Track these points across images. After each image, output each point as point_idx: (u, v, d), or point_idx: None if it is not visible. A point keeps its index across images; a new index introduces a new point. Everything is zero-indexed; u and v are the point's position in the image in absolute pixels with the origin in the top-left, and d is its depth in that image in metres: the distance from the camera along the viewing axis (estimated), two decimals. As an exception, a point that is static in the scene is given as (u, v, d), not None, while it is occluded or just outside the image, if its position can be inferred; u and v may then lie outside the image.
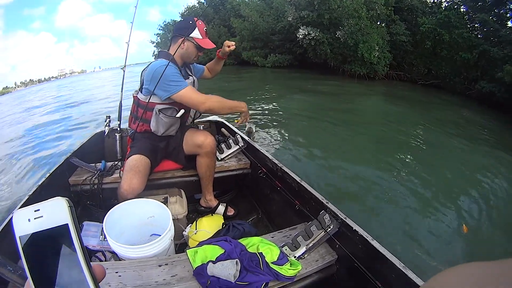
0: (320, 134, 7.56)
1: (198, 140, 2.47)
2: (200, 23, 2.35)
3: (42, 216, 0.71)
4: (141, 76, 2.37)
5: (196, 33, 2.33)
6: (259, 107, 10.36)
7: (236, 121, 2.61)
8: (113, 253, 1.94)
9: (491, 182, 5.34)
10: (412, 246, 3.41)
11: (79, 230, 0.69)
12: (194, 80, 2.53)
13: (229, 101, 2.41)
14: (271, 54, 28.96)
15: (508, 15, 17.51)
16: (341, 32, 21.12)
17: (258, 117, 8.68)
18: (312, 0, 21.99)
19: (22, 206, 1.94)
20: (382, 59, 21.02)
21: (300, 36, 23.40)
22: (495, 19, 17.39)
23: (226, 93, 12.57)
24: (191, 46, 2.36)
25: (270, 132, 7.27)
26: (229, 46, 2.62)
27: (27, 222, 0.69)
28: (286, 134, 7.18)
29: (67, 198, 0.78)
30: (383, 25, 21.71)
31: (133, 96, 2.46)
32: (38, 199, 1.65)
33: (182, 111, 2.39)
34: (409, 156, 6.60)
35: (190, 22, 2.34)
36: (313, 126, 8.40)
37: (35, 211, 0.72)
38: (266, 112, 9.33)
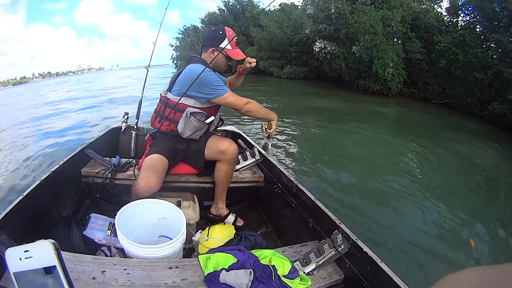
0: (330, 149, 7.59)
1: (223, 146, 2.46)
2: (230, 33, 2.38)
3: (31, 257, 0.85)
4: (172, 78, 2.38)
5: (225, 44, 2.33)
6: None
7: (266, 127, 2.60)
8: (119, 249, 1.93)
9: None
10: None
11: (66, 270, 0.82)
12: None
13: (265, 108, 2.49)
14: (287, 65, 29.23)
15: None
16: (356, 47, 21.27)
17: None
18: (330, 14, 22.43)
19: (32, 190, 1.94)
20: (396, 76, 21.09)
21: (317, 49, 23.75)
22: (510, 40, 17.20)
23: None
24: (220, 56, 2.34)
25: (282, 145, 7.22)
26: (250, 63, 2.63)
27: (19, 261, 0.83)
28: (297, 148, 7.16)
29: (53, 241, 0.88)
30: (399, 42, 21.69)
31: (161, 95, 2.44)
32: (50, 185, 1.66)
33: (212, 117, 2.41)
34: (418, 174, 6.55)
35: (221, 32, 2.37)
36: (323, 141, 8.43)
37: (24, 251, 0.85)
38: (279, 125, 9.22)
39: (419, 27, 22.69)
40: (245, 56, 2.50)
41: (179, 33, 47.41)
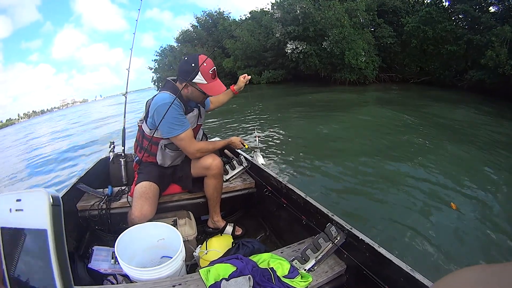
0: (315, 142, 7.66)
1: (206, 162, 2.40)
2: (205, 65, 2.11)
3: (22, 210, 0.66)
4: (146, 105, 2.30)
5: (199, 79, 2.12)
6: (257, 125, 10.38)
7: (246, 146, 2.71)
8: (125, 276, 1.90)
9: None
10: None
11: (60, 235, 0.66)
12: (200, 112, 2.42)
13: (218, 143, 2.49)
14: (265, 70, 29.37)
15: (488, 0, 17.59)
16: (326, 42, 21.68)
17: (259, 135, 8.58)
18: (297, 15, 22.74)
19: None
20: (370, 63, 21.42)
21: (289, 51, 24.06)
22: (476, 7, 17.51)
23: (224, 113, 12.65)
24: (195, 91, 2.19)
25: (270, 149, 7.24)
26: (244, 79, 2.64)
27: (8, 213, 0.66)
28: (285, 150, 7.15)
29: (53, 192, 0.71)
30: (367, 30, 21.97)
31: (138, 125, 2.40)
32: None
33: None
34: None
35: (193, 64, 2.10)
36: (306, 135, 8.50)
37: (16, 200, 0.66)
38: (264, 130, 9.31)
39: (387, 12, 23.04)
40: (226, 89, 2.36)
41: (156, 55, 47.24)
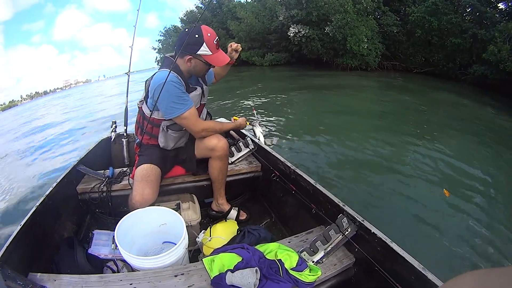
0: (319, 125, 7.42)
1: (211, 143, 2.26)
2: (208, 35, 1.97)
3: None
4: (145, 85, 2.14)
5: (204, 49, 1.97)
6: (256, 105, 10.25)
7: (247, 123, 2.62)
8: (126, 262, 1.80)
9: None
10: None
11: None
12: (203, 90, 2.26)
13: (226, 125, 2.41)
14: (268, 53, 28.95)
15: None
16: (329, 27, 21.23)
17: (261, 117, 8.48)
18: None
19: (30, 218, 1.81)
20: (373, 51, 21.02)
21: (291, 35, 23.68)
22: (483, 2, 17.00)
23: (226, 93, 12.49)
24: (199, 64, 2.04)
25: (273, 128, 7.11)
26: (236, 50, 2.43)
27: None
28: (286, 130, 7.01)
29: None
30: (371, 17, 21.44)
31: (138, 106, 2.24)
32: (47, 209, 1.53)
33: None
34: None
35: (196, 36, 1.95)
36: (310, 119, 8.27)
37: None
38: (265, 110, 9.16)
39: (393, 0, 22.49)
40: (229, 59, 2.19)
41: (160, 35, 46.68)
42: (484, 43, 15.04)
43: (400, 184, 4.31)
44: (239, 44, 2.43)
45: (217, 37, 2.02)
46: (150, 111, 2.07)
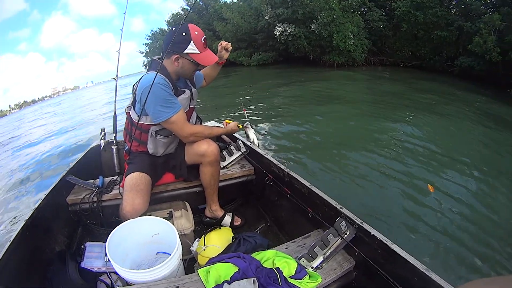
0: (307, 123, 7.40)
1: (201, 148, 2.20)
2: (196, 33, 1.91)
3: None
4: (132, 89, 2.06)
5: (192, 48, 1.91)
6: (246, 106, 10.14)
7: (240, 126, 2.49)
8: (119, 275, 1.72)
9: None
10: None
11: None
12: (192, 94, 2.18)
13: (215, 129, 2.29)
14: (255, 53, 28.98)
15: None
16: (315, 25, 21.34)
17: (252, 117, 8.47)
18: None
19: (19, 232, 1.74)
20: (359, 46, 21.14)
21: (277, 33, 23.79)
22: None
23: (214, 94, 12.42)
24: (187, 64, 1.97)
25: (264, 130, 7.06)
26: (226, 49, 2.34)
27: None
28: (279, 130, 6.96)
29: None
30: (356, 13, 21.55)
31: (126, 112, 2.16)
32: (37, 223, 1.44)
33: None
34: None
35: (184, 34, 1.88)
36: (299, 116, 8.24)
37: None
38: (256, 110, 9.16)
39: (378, -5, 22.74)
40: (217, 58, 2.11)
41: (147, 38, 46.52)
42: (470, 35, 15.15)
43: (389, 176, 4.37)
44: (229, 43, 2.35)
45: (204, 36, 1.97)
46: (138, 116, 1.98)
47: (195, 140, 2.16)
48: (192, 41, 1.89)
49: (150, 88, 1.81)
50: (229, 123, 2.45)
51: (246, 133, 2.53)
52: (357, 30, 21.03)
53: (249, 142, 2.60)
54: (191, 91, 2.16)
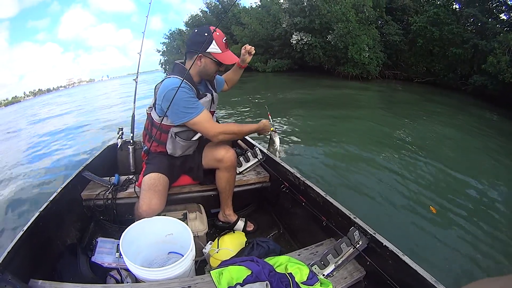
0: (324, 138, 7.30)
1: (219, 154, 2.22)
2: (218, 34, 1.96)
3: None
4: (154, 91, 2.10)
5: (214, 47, 1.96)
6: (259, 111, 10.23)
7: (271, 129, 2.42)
8: (128, 270, 1.74)
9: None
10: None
11: None
12: (213, 97, 2.19)
13: (246, 127, 2.21)
14: (271, 59, 29.04)
15: (503, 7, 17.31)
16: (331, 35, 21.53)
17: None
18: (304, 7, 22.60)
19: (33, 223, 1.76)
20: (374, 59, 21.18)
21: (294, 42, 23.91)
22: (485, 13, 17.22)
23: (232, 100, 12.55)
24: (209, 63, 2.01)
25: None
26: (249, 52, 2.37)
27: None
28: (292, 141, 6.95)
29: None
30: (373, 26, 21.69)
31: (147, 112, 2.21)
32: (51, 214, 1.46)
33: (199, 134, 2.13)
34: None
35: (206, 34, 1.94)
36: (313, 130, 8.18)
37: None
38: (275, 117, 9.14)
39: (396, 9, 22.75)
40: (238, 59, 2.18)
41: (165, 37, 46.69)
42: (484, 54, 15.10)
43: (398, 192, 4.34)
44: (253, 47, 2.38)
45: (225, 37, 2.02)
46: (159, 117, 2.02)
47: (225, 138, 2.09)
48: (214, 41, 1.94)
49: (176, 92, 1.83)
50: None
51: (271, 137, 2.45)
52: (372, 43, 21.07)
53: (273, 147, 2.49)
54: (212, 94, 2.17)
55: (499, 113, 11.57)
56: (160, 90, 1.96)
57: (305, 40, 23.15)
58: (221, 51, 1.98)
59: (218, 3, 39.63)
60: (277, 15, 26.89)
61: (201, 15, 40.27)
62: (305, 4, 22.39)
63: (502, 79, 13.44)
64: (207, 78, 2.17)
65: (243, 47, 2.37)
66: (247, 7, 35.46)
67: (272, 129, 2.37)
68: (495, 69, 13.62)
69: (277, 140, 2.42)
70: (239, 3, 37.41)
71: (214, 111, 2.31)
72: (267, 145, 2.55)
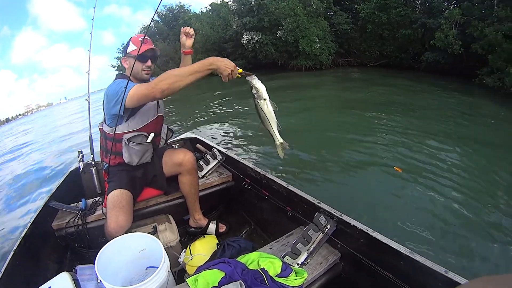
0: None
1: (178, 158, 2.25)
2: (135, 35, 2.17)
3: None
4: (102, 106, 2.08)
5: (131, 47, 2.10)
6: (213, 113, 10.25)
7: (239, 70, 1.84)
8: (113, 294, 1.71)
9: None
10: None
11: None
12: (156, 101, 2.20)
13: (189, 66, 1.74)
14: (225, 61, 28.86)
15: None
16: (281, 31, 22.04)
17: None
18: (252, 7, 23.09)
19: (9, 263, 1.70)
20: (326, 50, 21.70)
21: (245, 42, 24.33)
22: None
23: (187, 106, 12.42)
24: (131, 61, 2.02)
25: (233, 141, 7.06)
26: (188, 34, 2.26)
27: None
28: (245, 139, 7.01)
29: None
30: (321, 18, 22.12)
31: (99, 128, 2.21)
32: (25, 252, 1.43)
33: (152, 135, 2.16)
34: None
35: (127, 42, 2.15)
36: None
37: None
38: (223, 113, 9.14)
39: (343, -1, 23.27)
40: (152, 45, 2.13)
41: (118, 52, 45.40)
42: (433, 32, 15.69)
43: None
44: (191, 28, 2.29)
45: (144, 36, 2.05)
46: (111, 128, 2.04)
47: (170, 87, 1.71)
48: (131, 42, 2.11)
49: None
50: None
51: (252, 84, 1.78)
52: (322, 34, 21.55)
53: (258, 95, 1.75)
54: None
55: (452, 84, 12.35)
56: (104, 96, 2.01)
57: (255, 38, 23.54)
58: (136, 47, 2.06)
59: (168, 12, 39.15)
60: (227, 17, 26.93)
61: (153, 24, 39.63)
62: (252, 4, 22.78)
63: (451, 52, 14.17)
64: (142, 78, 2.14)
65: (182, 30, 2.29)
66: (197, 12, 35.30)
67: (240, 70, 1.84)
68: (444, 43, 14.29)
69: (258, 84, 1.77)
70: (189, 9, 37.17)
71: (163, 116, 2.33)
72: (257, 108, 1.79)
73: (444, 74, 14.85)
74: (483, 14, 13.17)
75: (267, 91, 1.74)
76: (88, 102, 3.12)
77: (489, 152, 5.09)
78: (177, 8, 38.74)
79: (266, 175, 2.30)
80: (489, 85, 11.07)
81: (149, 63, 2.12)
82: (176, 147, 3.21)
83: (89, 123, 3.08)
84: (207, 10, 34.10)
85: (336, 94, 11.57)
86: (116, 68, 45.79)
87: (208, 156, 2.78)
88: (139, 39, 2.08)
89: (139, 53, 1.97)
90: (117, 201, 2.00)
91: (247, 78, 1.79)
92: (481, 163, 4.64)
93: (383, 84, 13.12)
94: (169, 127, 2.57)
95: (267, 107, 1.73)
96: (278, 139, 1.79)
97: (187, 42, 2.31)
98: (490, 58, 11.47)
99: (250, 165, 2.51)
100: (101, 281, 1.73)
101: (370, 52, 21.75)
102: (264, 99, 1.73)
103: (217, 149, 2.87)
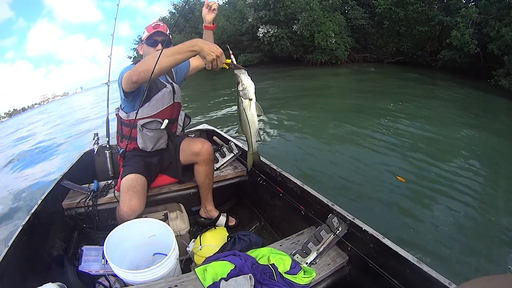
0: (299, 128, 7.37)
1: (196, 148, 2.24)
2: (150, 24, 2.19)
3: None
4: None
5: (145, 34, 2.15)
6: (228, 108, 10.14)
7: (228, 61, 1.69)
8: (117, 276, 1.72)
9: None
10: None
11: None
12: (174, 88, 2.18)
13: (170, 48, 1.65)
14: (241, 54, 28.74)
15: None
16: (296, 25, 21.77)
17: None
18: (268, 0, 22.80)
19: (16, 238, 1.71)
20: (342, 45, 21.35)
21: (261, 35, 24.03)
22: None
23: (202, 97, 12.39)
24: (145, 47, 2.15)
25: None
26: (210, 8, 2.13)
27: None
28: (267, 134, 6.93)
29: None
30: (338, 12, 21.75)
31: (116, 114, 2.24)
32: (33, 228, 1.42)
33: (166, 121, 2.14)
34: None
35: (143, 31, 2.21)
36: (287, 121, 8.07)
37: None
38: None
39: (360, -6, 23.00)
40: (164, 29, 2.14)
41: (134, 43, 45.61)
42: (450, 29, 15.41)
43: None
44: (215, 2, 2.14)
45: (157, 23, 2.17)
46: (126, 113, 2.08)
47: (147, 69, 1.66)
48: (145, 30, 2.16)
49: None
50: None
51: (239, 79, 1.58)
52: (338, 29, 21.19)
53: (244, 92, 1.57)
54: (172, 86, 2.19)
55: (467, 84, 12.21)
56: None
57: (271, 32, 23.29)
58: (149, 33, 2.12)
59: (184, 3, 38.95)
60: (243, 10, 26.77)
61: (169, 16, 39.56)
62: (269, -3, 22.63)
63: (467, 51, 13.88)
64: None
65: (206, 3, 2.17)
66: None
67: (229, 60, 1.69)
68: (459, 42, 14.00)
69: (247, 80, 1.58)
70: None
71: (180, 103, 2.30)
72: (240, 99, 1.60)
73: (461, 73, 14.64)
74: (500, 14, 12.91)
75: (255, 92, 1.57)
76: (108, 86, 3.13)
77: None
78: (194, 1, 38.57)
79: (281, 172, 2.28)
80: (505, 87, 10.88)
81: (159, 47, 2.09)
82: (192, 136, 3.19)
83: (107, 107, 3.08)
84: (223, 3, 33.86)
85: (355, 88, 11.42)
86: (132, 59, 45.97)
87: (225, 149, 2.76)
88: (152, 25, 2.15)
89: (147, 38, 2.12)
90: (131, 185, 2.00)
91: (235, 71, 1.59)
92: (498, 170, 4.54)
93: (402, 81, 12.97)
94: (187, 114, 2.57)
95: (250, 110, 1.57)
96: (253, 148, 1.70)
97: (208, 16, 2.19)
98: (506, 59, 11.26)
99: (266, 161, 2.48)
100: (106, 263, 1.73)
101: (387, 48, 21.31)
102: (250, 99, 1.56)
103: (234, 143, 2.85)
